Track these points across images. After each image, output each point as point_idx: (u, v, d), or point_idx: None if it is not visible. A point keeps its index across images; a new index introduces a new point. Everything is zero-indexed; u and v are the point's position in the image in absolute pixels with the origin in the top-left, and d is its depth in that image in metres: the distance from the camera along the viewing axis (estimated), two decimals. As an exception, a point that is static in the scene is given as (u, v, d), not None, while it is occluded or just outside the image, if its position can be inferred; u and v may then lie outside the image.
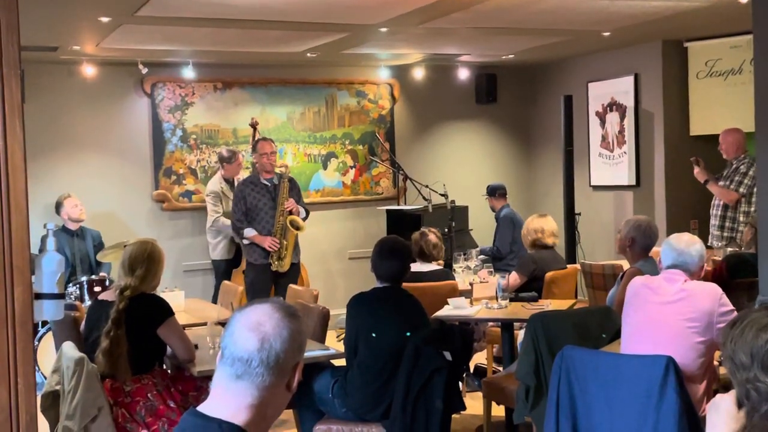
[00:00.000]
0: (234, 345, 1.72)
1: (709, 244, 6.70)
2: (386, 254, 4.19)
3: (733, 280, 4.84)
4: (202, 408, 1.73)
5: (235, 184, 7.24)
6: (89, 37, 6.38)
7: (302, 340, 1.77)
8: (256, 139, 7.10)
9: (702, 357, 3.44)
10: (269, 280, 6.57)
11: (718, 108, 7.49)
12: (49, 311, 2.20)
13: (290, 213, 6.59)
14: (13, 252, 2.05)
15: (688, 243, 3.66)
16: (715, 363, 3.59)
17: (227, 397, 1.71)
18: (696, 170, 6.62)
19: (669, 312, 3.49)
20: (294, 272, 6.74)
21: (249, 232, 6.54)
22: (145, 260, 4.00)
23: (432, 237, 5.67)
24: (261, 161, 6.60)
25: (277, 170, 6.73)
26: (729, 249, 5.97)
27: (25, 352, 2.06)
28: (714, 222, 6.68)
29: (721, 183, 6.53)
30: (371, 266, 4.24)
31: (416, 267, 5.55)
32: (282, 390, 1.74)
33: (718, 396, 2.10)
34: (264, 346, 1.70)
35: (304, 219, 6.73)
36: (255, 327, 1.72)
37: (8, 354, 2.04)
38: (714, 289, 3.50)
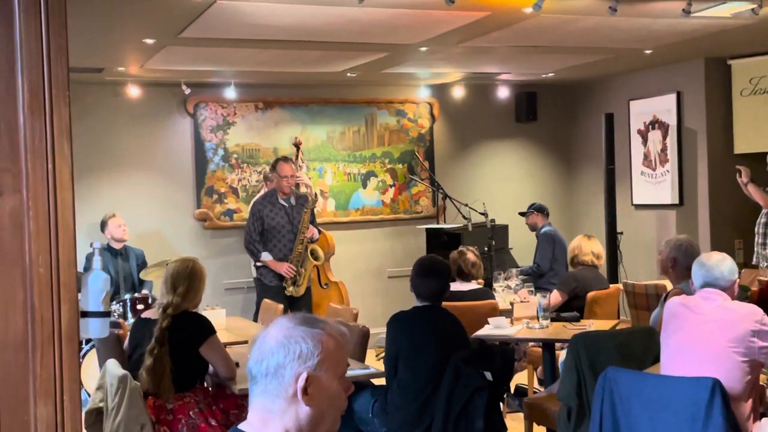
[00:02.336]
0: (249, 360, 1.77)
1: (754, 263, 6.60)
2: (426, 273, 4.18)
3: (781, 301, 4.75)
4: (243, 426, 1.74)
5: None
6: (134, 59, 6.49)
7: (304, 350, 1.70)
8: (277, 158, 6.99)
9: (747, 376, 3.38)
10: (283, 301, 6.51)
11: (763, 126, 7.39)
12: (94, 329, 2.22)
13: (311, 241, 6.57)
14: (60, 270, 2.08)
15: (717, 261, 3.60)
16: (763, 384, 3.53)
17: (252, 413, 1.74)
18: (741, 175, 6.55)
19: (709, 331, 3.44)
20: (308, 295, 6.72)
21: (265, 257, 6.48)
22: (187, 277, 4.03)
23: (470, 255, 5.64)
24: (280, 184, 6.51)
25: (303, 190, 6.70)
26: (775, 269, 5.88)
27: (71, 369, 2.08)
28: (759, 240, 6.58)
29: None
30: (411, 285, 4.24)
31: (456, 286, 5.52)
32: (294, 402, 1.70)
33: (765, 419, 2.07)
34: (260, 358, 1.72)
35: (317, 240, 6.70)
36: (259, 339, 1.75)
37: (55, 371, 2.07)
38: (753, 309, 3.45)
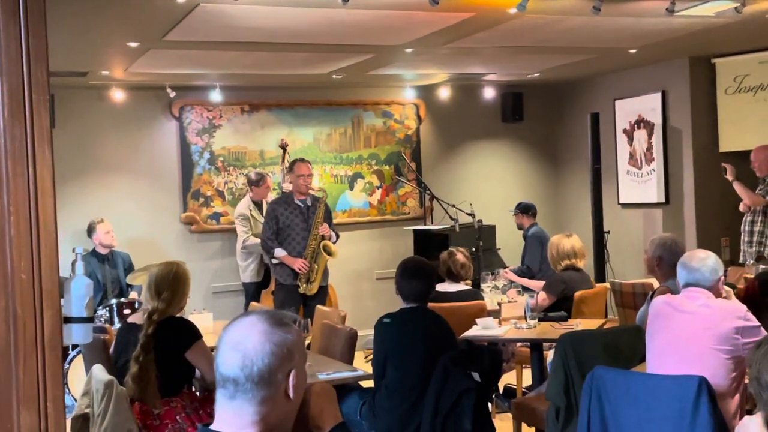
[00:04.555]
0: (222, 365, 1.72)
1: (740, 261, 6.63)
2: (410, 275, 4.19)
3: (766, 299, 4.77)
4: (217, 426, 1.73)
5: (264, 206, 7.28)
6: (118, 62, 6.46)
7: (289, 348, 1.72)
8: (291, 160, 7.10)
9: (732, 373, 3.40)
10: (298, 301, 6.58)
11: (748, 124, 7.43)
12: (78, 335, 2.21)
13: (323, 238, 6.61)
14: (42, 276, 2.07)
15: (700, 260, 3.62)
16: (747, 381, 3.54)
17: (229, 417, 1.72)
18: (727, 173, 6.63)
19: (694, 329, 3.45)
20: (322, 294, 6.75)
21: (279, 252, 6.55)
22: (171, 282, 4.01)
23: (460, 256, 5.65)
24: (297, 182, 6.61)
25: (318, 194, 6.76)
26: (761, 267, 5.90)
27: (55, 376, 2.07)
28: (745, 238, 6.61)
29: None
30: (396, 288, 4.24)
31: (444, 287, 5.53)
32: (281, 400, 1.72)
33: (747, 417, 2.08)
34: (246, 364, 1.69)
35: (335, 243, 6.75)
36: (236, 345, 1.71)
37: (38, 378, 2.05)
38: (736, 307, 3.47)
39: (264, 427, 1.70)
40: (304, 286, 6.56)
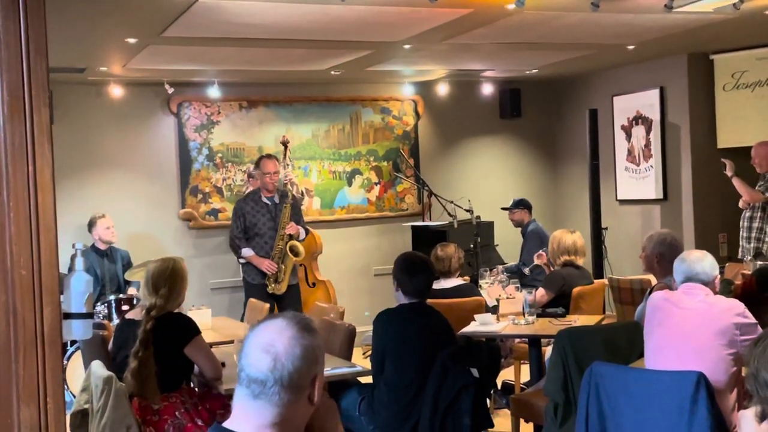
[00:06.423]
0: (249, 366, 1.73)
1: (739, 257, 6.64)
2: (414, 270, 4.17)
3: (763, 294, 4.77)
4: (228, 424, 1.73)
5: None
6: (116, 58, 6.46)
7: (317, 353, 1.76)
8: (261, 155, 7.03)
9: (732, 368, 3.41)
10: (268, 300, 6.50)
11: (746, 120, 7.43)
12: (77, 331, 2.22)
13: (291, 237, 6.55)
14: (42, 272, 2.07)
15: (697, 258, 3.64)
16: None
17: (248, 416, 1.72)
18: (726, 169, 6.64)
19: (693, 325, 3.46)
20: (293, 293, 6.70)
21: (246, 252, 6.49)
22: (168, 278, 4.01)
23: (438, 251, 5.61)
24: (263, 180, 6.53)
25: (287, 189, 6.70)
26: (759, 262, 5.91)
27: (55, 372, 2.07)
28: (743, 234, 6.62)
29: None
30: (396, 283, 4.22)
31: (439, 284, 5.51)
32: (303, 404, 1.74)
33: (743, 412, 2.09)
34: (276, 366, 1.70)
35: (303, 240, 6.69)
36: (267, 347, 1.72)
37: (38, 374, 2.06)
38: (735, 303, 3.49)
39: (281, 430, 1.72)
40: (273, 285, 6.50)
